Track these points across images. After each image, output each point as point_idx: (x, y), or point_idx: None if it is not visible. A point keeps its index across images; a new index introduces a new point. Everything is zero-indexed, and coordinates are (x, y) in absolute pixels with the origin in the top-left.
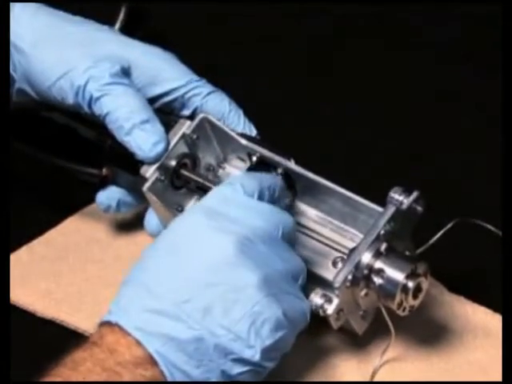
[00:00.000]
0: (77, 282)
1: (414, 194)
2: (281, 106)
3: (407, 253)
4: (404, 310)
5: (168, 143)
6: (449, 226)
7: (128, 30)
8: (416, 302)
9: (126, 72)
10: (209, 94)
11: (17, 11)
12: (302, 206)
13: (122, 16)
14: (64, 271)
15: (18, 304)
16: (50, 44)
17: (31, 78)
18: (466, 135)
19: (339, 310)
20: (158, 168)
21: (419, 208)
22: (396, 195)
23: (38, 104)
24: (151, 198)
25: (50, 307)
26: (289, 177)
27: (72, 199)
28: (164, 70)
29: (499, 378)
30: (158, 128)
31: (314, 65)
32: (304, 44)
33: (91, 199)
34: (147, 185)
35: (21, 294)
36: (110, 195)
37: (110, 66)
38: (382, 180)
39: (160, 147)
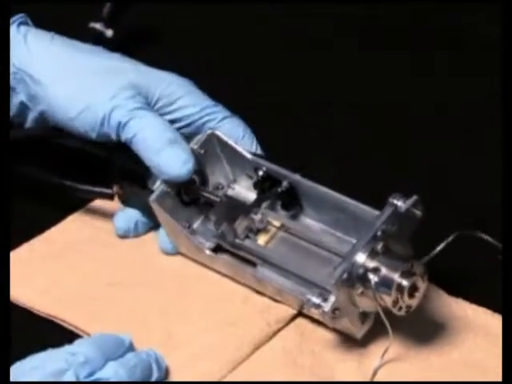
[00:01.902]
0: (76, 280)
1: (413, 198)
2: (281, 106)
3: None
4: (400, 310)
5: (196, 161)
6: (450, 238)
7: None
8: (413, 302)
9: (144, 99)
10: (223, 119)
11: (30, 40)
12: (307, 220)
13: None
14: (64, 270)
15: (18, 302)
16: (68, 77)
17: (53, 112)
18: (467, 139)
19: (335, 309)
20: (164, 181)
21: (418, 212)
22: (395, 200)
23: (53, 131)
24: (157, 209)
25: (50, 305)
26: (294, 191)
27: (72, 198)
28: (180, 98)
29: (499, 378)
30: (186, 147)
31: (313, 65)
32: (304, 44)
33: (91, 198)
34: (153, 196)
35: (20, 292)
36: (127, 218)
37: (131, 93)
38: (382, 191)
39: (189, 165)
